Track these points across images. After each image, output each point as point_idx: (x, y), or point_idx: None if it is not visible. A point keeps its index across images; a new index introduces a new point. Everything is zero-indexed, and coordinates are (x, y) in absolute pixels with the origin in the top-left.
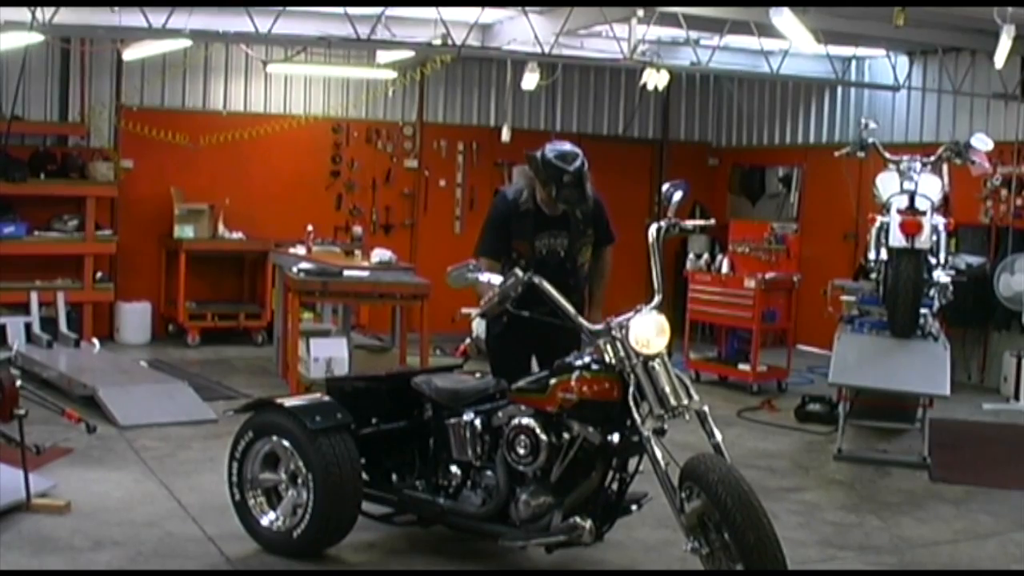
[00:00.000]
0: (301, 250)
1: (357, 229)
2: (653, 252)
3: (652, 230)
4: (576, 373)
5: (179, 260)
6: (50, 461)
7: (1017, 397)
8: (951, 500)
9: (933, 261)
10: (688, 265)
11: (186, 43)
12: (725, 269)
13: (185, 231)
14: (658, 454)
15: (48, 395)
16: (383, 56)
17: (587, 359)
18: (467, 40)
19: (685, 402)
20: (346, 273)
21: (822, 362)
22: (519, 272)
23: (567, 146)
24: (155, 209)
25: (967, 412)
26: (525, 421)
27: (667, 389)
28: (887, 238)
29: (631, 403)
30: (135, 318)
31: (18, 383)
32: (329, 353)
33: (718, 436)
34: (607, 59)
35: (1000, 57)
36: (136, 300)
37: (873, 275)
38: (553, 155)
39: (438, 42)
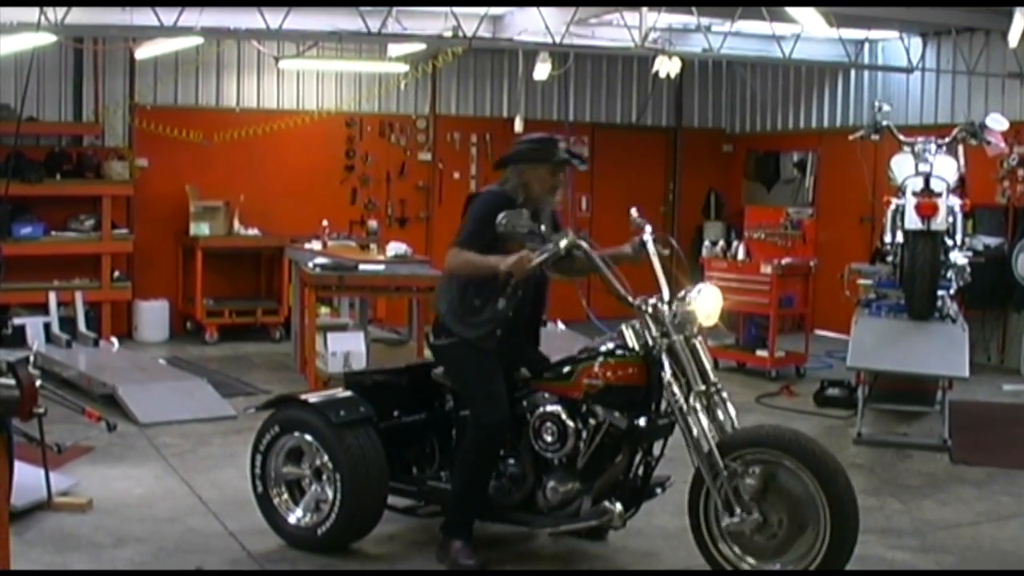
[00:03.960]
0: (317, 245)
1: (372, 223)
2: (652, 258)
3: (647, 239)
4: (600, 359)
5: (195, 257)
6: (71, 460)
7: None
8: (972, 482)
9: (950, 243)
10: (704, 252)
11: (198, 40)
12: (741, 255)
13: (201, 228)
14: (699, 431)
15: (68, 394)
16: (394, 49)
17: (611, 345)
18: (478, 31)
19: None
20: (362, 267)
21: (840, 346)
22: (570, 232)
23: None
24: (171, 207)
25: (987, 394)
26: (551, 408)
27: (708, 365)
28: (903, 221)
29: (671, 379)
30: (153, 316)
31: (38, 383)
32: (347, 347)
33: (736, 421)
34: (619, 47)
35: (1014, 36)
36: (153, 298)
37: (890, 258)
38: (531, 137)
39: (449, 34)
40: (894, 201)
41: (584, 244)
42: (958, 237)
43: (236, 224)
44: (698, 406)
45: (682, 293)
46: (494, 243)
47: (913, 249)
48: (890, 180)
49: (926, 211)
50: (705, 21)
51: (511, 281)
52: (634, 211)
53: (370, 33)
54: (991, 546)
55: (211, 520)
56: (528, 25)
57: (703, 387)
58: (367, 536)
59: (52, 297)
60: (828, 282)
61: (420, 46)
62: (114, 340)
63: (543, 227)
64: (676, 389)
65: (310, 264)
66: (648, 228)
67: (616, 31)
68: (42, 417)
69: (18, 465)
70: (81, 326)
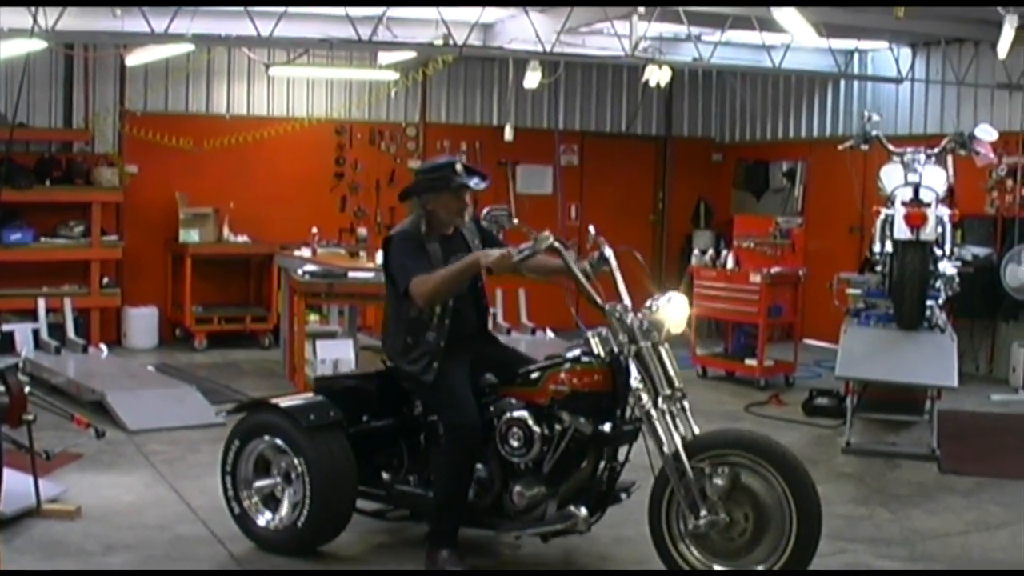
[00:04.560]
0: (306, 252)
1: (362, 230)
2: (614, 271)
3: (607, 253)
4: (567, 365)
5: (185, 264)
6: (60, 466)
7: None
8: (961, 491)
9: (939, 253)
10: (693, 261)
11: (188, 47)
12: (730, 264)
13: (190, 235)
14: (666, 433)
15: (57, 401)
16: (385, 57)
17: (577, 351)
18: (468, 40)
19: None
20: (351, 275)
21: (829, 356)
22: (547, 232)
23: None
24: (160, 214)
25: (976, 403)
26: (517, 414)
27: (672, 371)
28: (892, 230)
29: (639, 385)
30: (142, 323)
31: (27, 389)
32: (336, 355)
33: (695, 428)
34: (609, 56)
35: (1003, 47)
36: (143, 305)
37: (879, 268)
38: (428, 166)
39: (440, 42)
40: (883, 211)
41: (560, 247)
42: (947, 247)
43: (226, 231)
44: (665, 410)
45: (650, 301)
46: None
47: (902, 259)
48: (879, 190)
49: (915, 221)
50: (695, 30)
51: (450, 303)
52: (592, 228)
53: (360, 41)
54: (980, 556)
55: (199, 527)
56: (518, 34)
57: (668, 392)
58: (338, 539)
59: (41, 303)
60: (817, 291)
61: (411, 54)
62: (103, 347)
63: (475, 241)
64: (643, 394)
65: (299, 271)
66: (606, 244)
67: (606, 40)
68: (31, 424)
69: (7, 472)
70: (70, 333)
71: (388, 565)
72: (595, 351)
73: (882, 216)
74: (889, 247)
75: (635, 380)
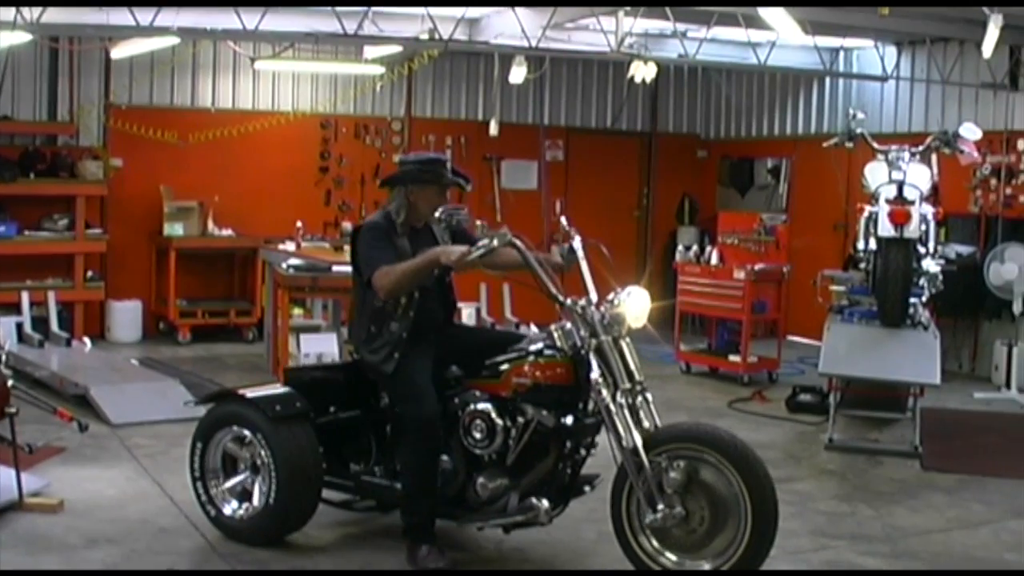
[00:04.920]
0: (291, 246)
1: (346, 225)
2: (581, 263)
3: (576, 245)
4: (530, 358)
5: (169, 258)
6: (43, 460)
7: (1008, 386)
8: (943, 489)
9: (922, 250)
10: (677, 257)
11: (174, 41)
12: (714, 260)
13: (175, 229)
14: (625, 428)
15: (40, 394)
16: (370, 51)
17: (540, 345)
18: (454, 34)
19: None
20: (335, 268)
21: (812, 352)
22: (505, 229)
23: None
24: (145, 207)
25: (958, 401)
26: (481, 406)
27: (633, 365)
28: (876, 228)
29: (598, 378)
30: (126, 316)
31: (10, 382)
32: (319, 349)
33: (659, 421)
34: (594, 52)
35: (988, 46)
36: (127, 298)
37: (863, 265)
38: (418, 158)
39: (425, 37)
40: (867, 208)
41: (518, 243)
42: (931, 245)
43: (210, 225)
44: (624, 403)
45: (611, 295)
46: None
47: (886, 256)
48: (864, 187)
49: (899, 219)
50: (681, 27)
51: (416, 295)
52: (563, 220)
53: (346, 35)
54: (962, 553)
55: (183, 521)
56: (504, 29)
57: (629, 385)
58: (305, 530)
59: (25, 297)
60: (801, 288)
61: (396, 48)
62: (87, 340)
63: (444, 237)
64: (603, 388)
65: (284, 265)
66: (577, 236)
67: (592, 36)
68: (14, 417)
69: None
70: (54, 326)
71: (356, 555)
72: (558, 344)
73: (866, 213)
74: (873, 244)
75: (595, 374)
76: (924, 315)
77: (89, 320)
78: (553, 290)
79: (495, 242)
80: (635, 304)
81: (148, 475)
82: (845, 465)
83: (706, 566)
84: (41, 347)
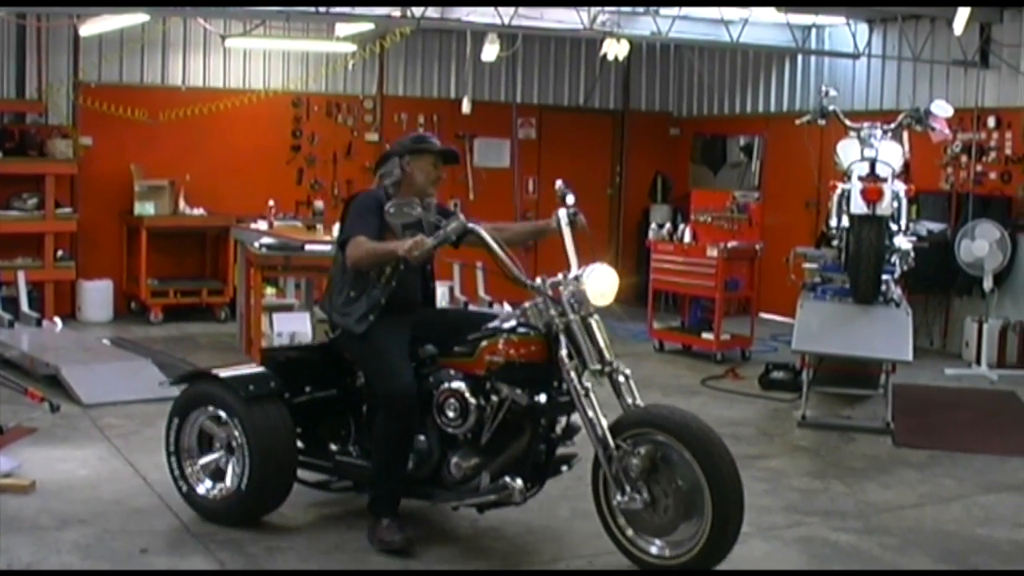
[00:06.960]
0: (263, 225)
1: (319, 203)
2: (564, 233)
3: (561, 213)
4: (504, 336)
5: (140, 237)
6: (14, 441)
7: (978, 362)
8: (915, 465)
9: (894, 228)
10: (650, 235)
11: (143, 18)
12: (687, 238)
13: (146, 208)
14: (592, 409)
15: (10, 375)
16: (342, 29)
17: (513, 322)
18: (426, 12)
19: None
20: (308, 247)
21: (785, 330)
22: (461, 216)
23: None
24: (115, 186)
25: (930, 377)
26: (454, 385)
27: (603, 344)
28: (848, 205)
29: (565, 358)
30: (97, 296)
31: None
32: (292, 328)
33: (639, 400)
34: (567, 30)
35: (959, 24)
36: (97, 278)
37: (835, 242)
38: (409, 136)
39: (397, 14)
40: (840, 186)
41: (477, 228)
42: (902, 222)
43: (181, 204)
44: (590, 386)
45: (575, 273)
46: (380, 237)
47: (858, 234)
48: (836, 165)
49: (871, 196)
50: (653, 5)
51: (401, 267)
52: (559, 182)
53: (318, 12)
54: (933, 528)
55: (156, 501)
56: (477, 6)
57: (598, 366)
58: (282, 510)
59: None
60: (774, 266)
61: (368, 26)
62: (57, 320)
63: (431, 215)
64: (571, 369)
65: (256, 244)
66: (570, 199)
67: (565, 13)
68: None
69: None
70: (24, 306)
71: (331, 535)
72: (532, 322)
73: (839, 191)
74: (845, 222)
75: (563, 354)
76: (896, 292)
77: (60, 300)
78: (515, 272)
79: (450, 230)
80: (598, 282)
81: (120, 455)
82: (818, 442)
83: (667, 552)
84: (11, 327)
